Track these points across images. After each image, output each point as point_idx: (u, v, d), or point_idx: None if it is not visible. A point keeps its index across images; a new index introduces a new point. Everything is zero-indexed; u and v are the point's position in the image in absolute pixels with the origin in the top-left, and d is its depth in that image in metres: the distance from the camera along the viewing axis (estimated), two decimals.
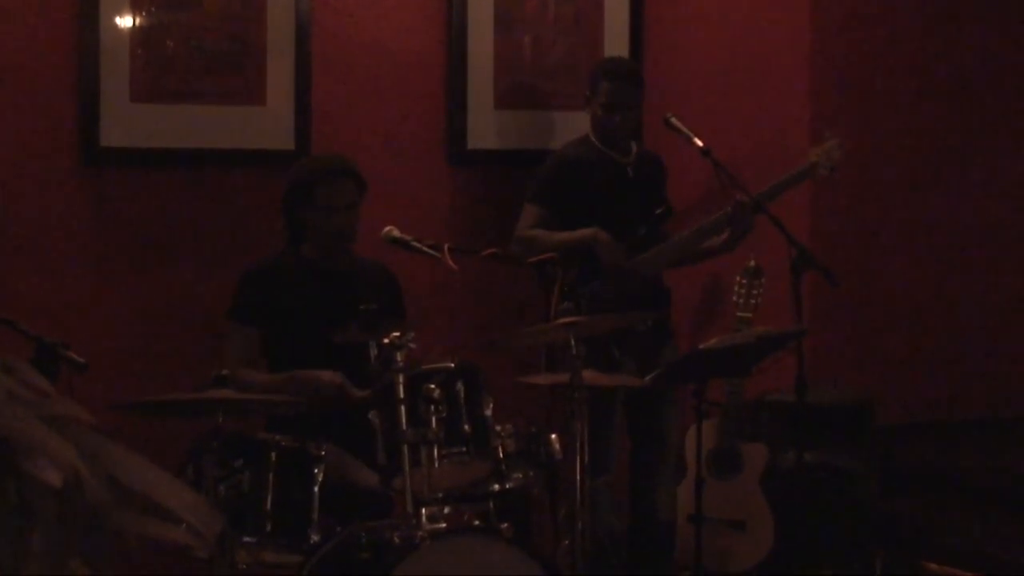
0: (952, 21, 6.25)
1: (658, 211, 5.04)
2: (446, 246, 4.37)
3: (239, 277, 4.60)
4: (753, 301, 5.34)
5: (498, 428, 3.96)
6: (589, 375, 4.01)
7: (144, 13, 5.01)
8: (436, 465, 3.77)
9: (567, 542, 4.05)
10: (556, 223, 5.03)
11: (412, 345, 3.87)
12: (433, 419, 3.77)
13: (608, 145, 5.13)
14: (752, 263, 5.35)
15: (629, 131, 5.16)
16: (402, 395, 3.77)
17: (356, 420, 4.03)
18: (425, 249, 4.41)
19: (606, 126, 5.10)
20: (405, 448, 3.73)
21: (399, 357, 3.82)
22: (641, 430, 5.18)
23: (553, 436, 4.05)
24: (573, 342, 3.95)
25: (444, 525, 3.72)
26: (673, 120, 5.03)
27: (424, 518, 3.69)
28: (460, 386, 3.94)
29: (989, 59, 6.30)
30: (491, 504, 3.97)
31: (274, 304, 4.50)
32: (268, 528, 3.82)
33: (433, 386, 3.80)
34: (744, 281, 5.36)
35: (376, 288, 4.57)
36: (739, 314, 5.33)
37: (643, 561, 5.15)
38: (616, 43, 5.62)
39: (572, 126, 5.53)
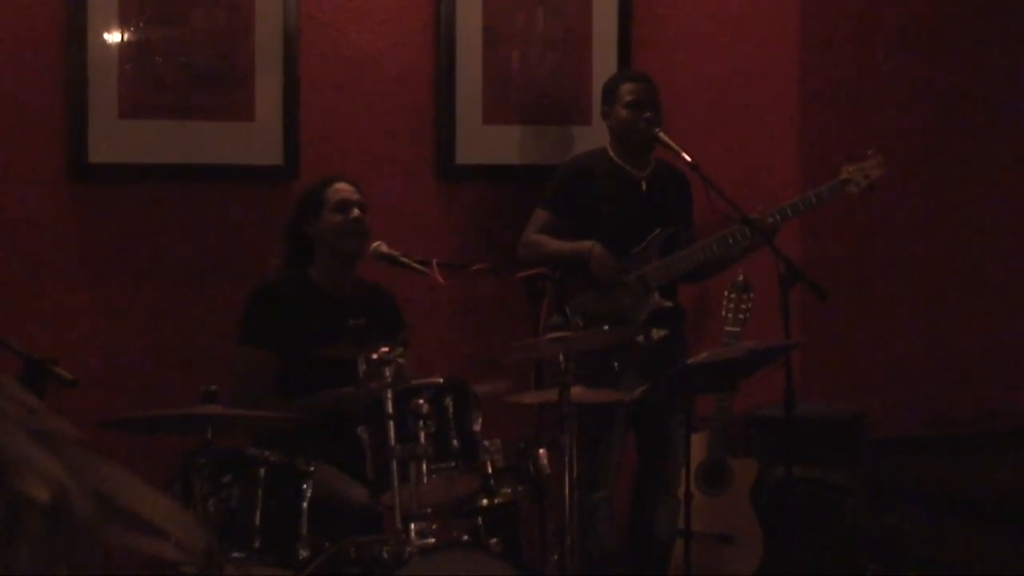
0: (942, 38, 6.26)
1: (656, 231, 5.02)
2: (434, 261, 4.37)
3: (247, 300, 4.56)
4: (742, 316, 5.33)
5: (486, 443, 3.96)
6: (578, 391, 4.01)
7: (132, 29, 5.01)
8: (425, 480, 3.77)
9: (556, 557, 4.05)
10: (563, 230, 5.04)
11: (401, 360, 3.86)
12: (422, 434, 3.77)
13: (632, 151, 5.11)
14: (740, 278, 5.35)
15: (655, 132, 5.01)
16: (391, 410, 3.77)
17: (345, 436, 4.02)
18: (413, 264, 4.41)
19: (635, 124, 5.06)
20: (394, 464, 3.73)
21: (388, 372, 3.81)
22: (645, 445, 5.18)
23: (541, 451, 4.05)
24: (562, 358, 3.95)
25: (433, 540, 3.71)
26: (661, 134, 5.00)
27: (413, 533, 3.68)
28: (449, 401, 3.94)
29: (980, 75, 6.32)
30: (480, 519, 3.97)
31: (284, 327, 4.48)
32: (257, 544, 3.81)
33: (422, 401, 3.80)
34: (732, 296, 5.36)
35: (379, 312, 4.55)
36: (728, 328, 5.33)
37: None
38: (605, 59, 5.62)
39: (560, 141, 5.55)
